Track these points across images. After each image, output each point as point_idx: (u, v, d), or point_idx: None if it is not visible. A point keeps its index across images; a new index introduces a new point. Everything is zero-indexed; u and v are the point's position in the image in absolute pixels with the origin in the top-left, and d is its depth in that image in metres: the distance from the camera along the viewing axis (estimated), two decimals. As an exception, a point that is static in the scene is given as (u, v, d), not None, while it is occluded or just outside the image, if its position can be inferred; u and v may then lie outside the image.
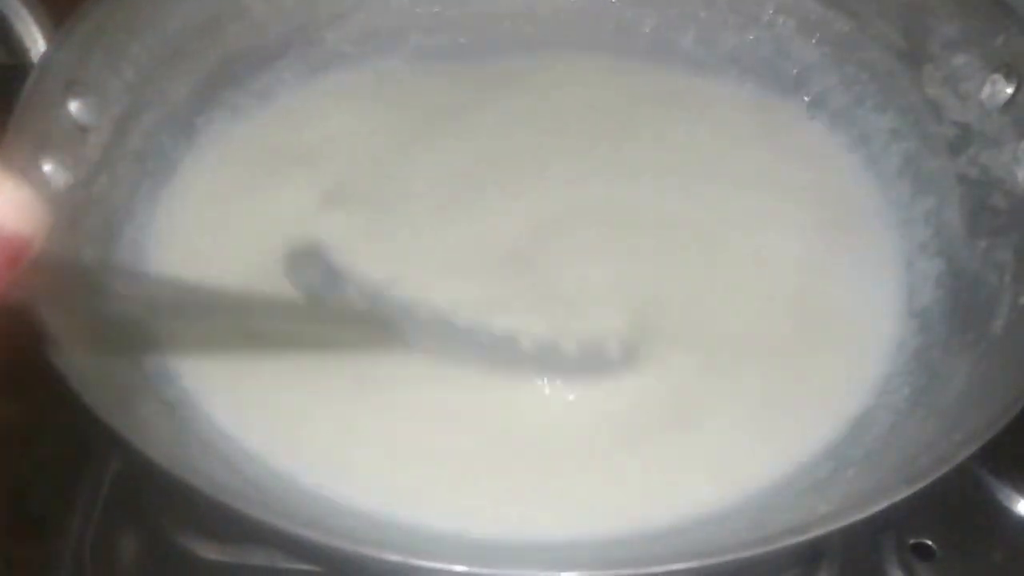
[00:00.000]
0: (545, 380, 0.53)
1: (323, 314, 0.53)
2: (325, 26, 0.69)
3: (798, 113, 0.67)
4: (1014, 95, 0.55)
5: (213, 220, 0.60)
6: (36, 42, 0.54)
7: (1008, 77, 0.55)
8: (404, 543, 0.39)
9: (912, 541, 0.55)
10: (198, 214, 0.61)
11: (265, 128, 0.65)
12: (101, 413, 0.41)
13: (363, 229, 0.59)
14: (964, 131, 0.58)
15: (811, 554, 0.53)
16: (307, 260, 0.57)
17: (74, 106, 0.54)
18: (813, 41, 0.67)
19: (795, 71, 0.68)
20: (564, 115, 0.66)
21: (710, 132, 0.65)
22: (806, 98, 0.67)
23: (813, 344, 0.56)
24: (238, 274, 0.56)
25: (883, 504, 0.41)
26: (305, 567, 0.53)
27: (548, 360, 0.53)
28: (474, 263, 0.58)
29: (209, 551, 0.54)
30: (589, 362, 0.54)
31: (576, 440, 0.52)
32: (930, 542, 0.55)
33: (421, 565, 0.39)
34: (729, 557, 0.40)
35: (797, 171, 0.64)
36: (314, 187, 0.62)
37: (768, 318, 0.57)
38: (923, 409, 0.51)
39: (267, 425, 0.52)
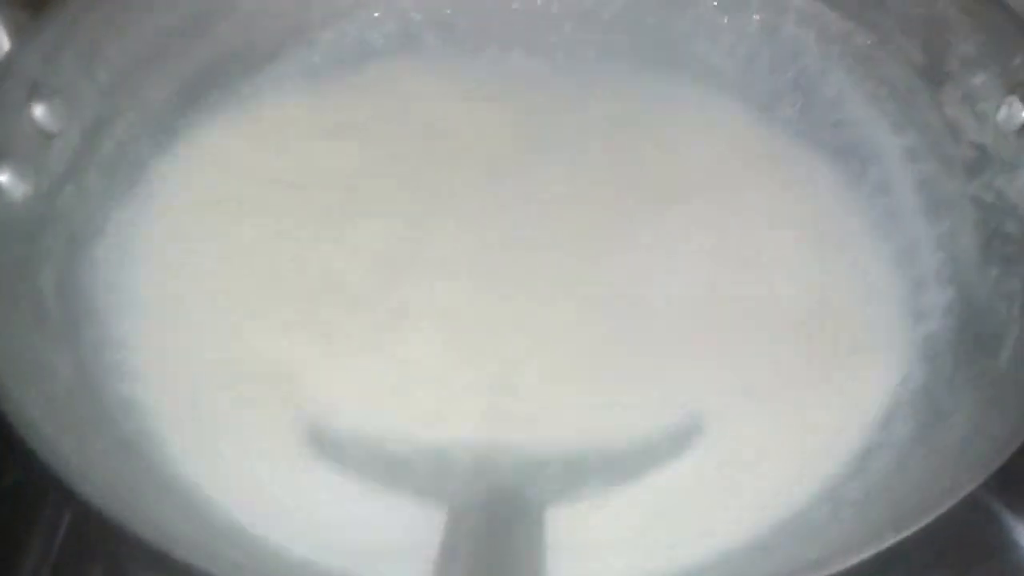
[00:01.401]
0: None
1: None
2: (321, 26, 0.65)
3: (810, 130, 0.63)
4: (1031, 118, 0.53)
5: (193, 237, 0.57)
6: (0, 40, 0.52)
7: (1024, 99, 0.53)
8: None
9: (921, 581, 0.53)
10: (176, 230, 0.57)
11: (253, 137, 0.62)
12: (44, 454, 0.39)
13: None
14: (981, 153, 0.55)
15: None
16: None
17: (39, 111, 0.51)
18: (833, 55, 0.63)
19: (812, 86, 0.64)
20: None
21: (717, 149, 0.62)
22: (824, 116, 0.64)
23: (813, 377, 0.53)
24: (218, 301, 0.54)
25: (872, 550, 0.39)
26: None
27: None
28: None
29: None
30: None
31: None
32: (941, 581, 0.53)
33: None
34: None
35: (804, 191, 0.61)
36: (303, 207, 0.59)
37: (765, 349, 0.54)
38: (926, 447, 0.49)
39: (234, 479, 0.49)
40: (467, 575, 0.41)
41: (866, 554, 0.39)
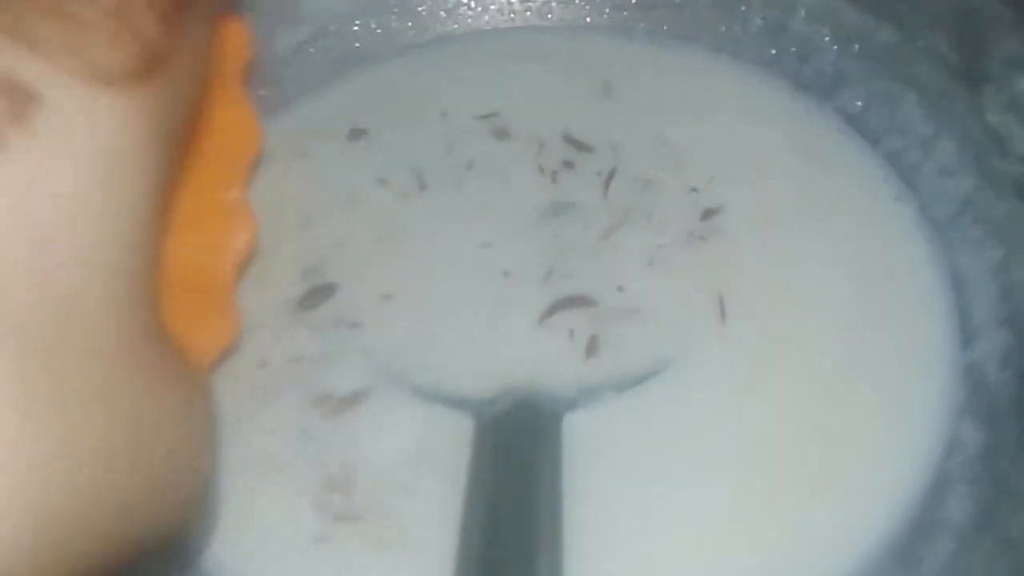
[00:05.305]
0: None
1: None
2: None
3: (833, 142, 0.56)
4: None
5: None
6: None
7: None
8: None
9: None
10: None
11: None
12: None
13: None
14: (1034, 169, 0.50)
15: None
16: None
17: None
18: (853, 53, 0.57)
19: (831, 88, 0.58)
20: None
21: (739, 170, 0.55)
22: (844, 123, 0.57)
23: (843, 439, 0.47)
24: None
25: None
26: None
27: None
28: None
29: None
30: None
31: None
32: None
33: None
34: None
35: (834, 214, 0.53)
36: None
37: (791, 406, 0.48)
38: (992, 537, 0.43)
39: None
40: (495, 474, 0.46)
41: None
